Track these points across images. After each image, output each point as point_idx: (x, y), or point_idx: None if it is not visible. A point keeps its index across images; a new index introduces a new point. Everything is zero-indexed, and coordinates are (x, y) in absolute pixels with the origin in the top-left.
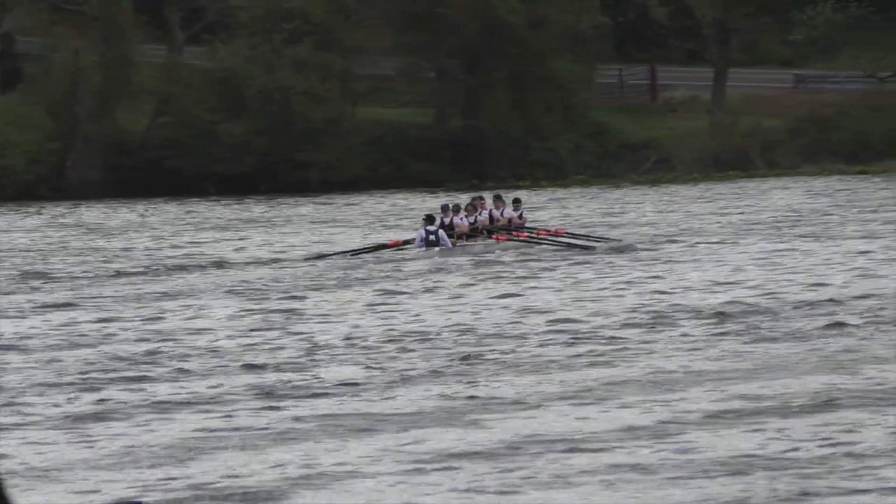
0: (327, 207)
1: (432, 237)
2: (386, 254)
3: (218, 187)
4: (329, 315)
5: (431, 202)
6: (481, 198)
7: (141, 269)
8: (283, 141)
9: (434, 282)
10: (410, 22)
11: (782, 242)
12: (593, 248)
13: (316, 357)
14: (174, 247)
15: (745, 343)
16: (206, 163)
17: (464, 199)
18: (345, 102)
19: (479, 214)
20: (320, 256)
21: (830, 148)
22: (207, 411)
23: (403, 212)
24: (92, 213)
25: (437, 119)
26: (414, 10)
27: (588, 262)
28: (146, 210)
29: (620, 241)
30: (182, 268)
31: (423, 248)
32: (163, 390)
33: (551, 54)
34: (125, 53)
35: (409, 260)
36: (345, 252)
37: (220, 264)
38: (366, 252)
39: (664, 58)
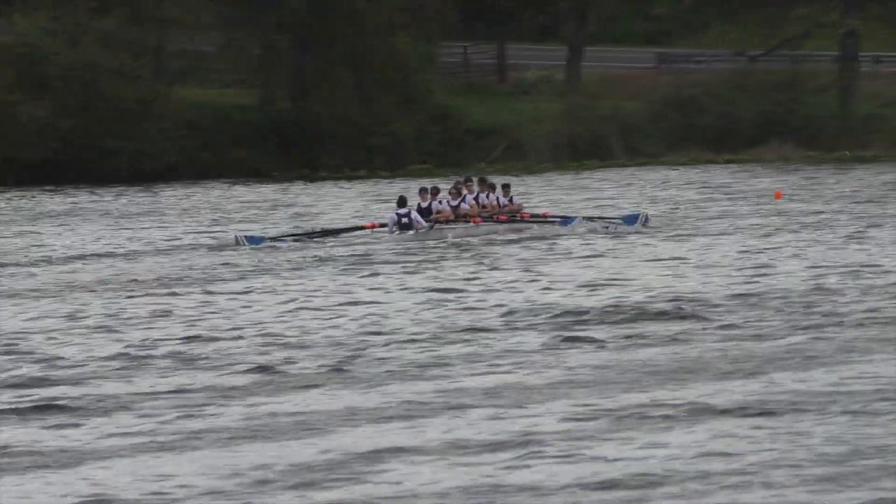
0: (138, 199)
1: (405, 220)
2: (357, 237)
3: (17, 177)
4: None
5: (252, 195)
6: (470, 180)
7: None
8: (90, 125)
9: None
10: None
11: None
12: (579, 224)
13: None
14: None
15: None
16: (4, 148)
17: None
18: (159, 82)
19: (464, 199)
20: (278, 238)
21: (696, 134)
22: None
23: (222, 203)
24: None
25: (262, 101)
26: None
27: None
28: None
29: (612, 220)
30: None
31: (397, 232)
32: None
33: (390, 30)
34: None
35: (375, 244)
36: (308, 234)
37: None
38: (339, 233)
39: (514, 34)
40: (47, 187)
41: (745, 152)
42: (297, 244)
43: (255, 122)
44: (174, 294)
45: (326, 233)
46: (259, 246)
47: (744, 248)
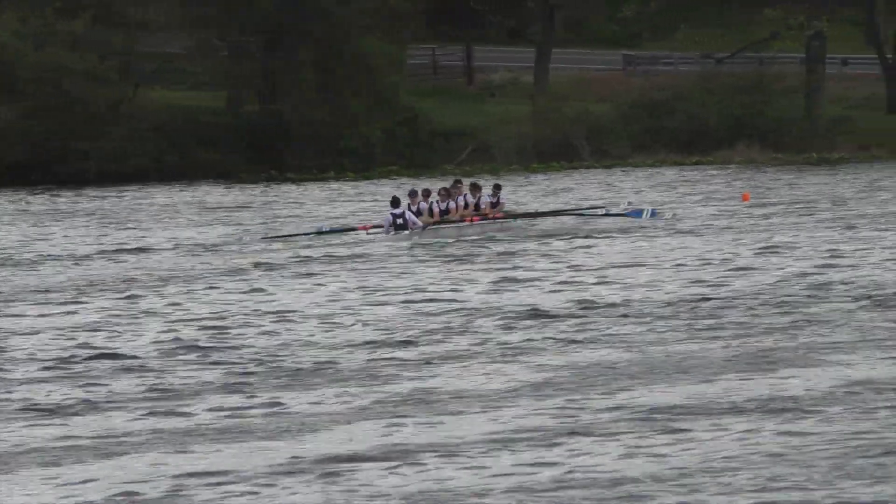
0: (106, 202)
1: (400, 221)
2: (352, 237)
3: None
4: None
5: (227, 195)
6: (459, 182)
7: None
8: (58, 127)
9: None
10: None
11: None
12: (584, 215)
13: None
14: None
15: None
16: None
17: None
18: (127, 84)
19: (456, 201)
20: (282, 237)
21: (663, 136)
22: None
23: (193, 207)
24: None
25: (231, 103)
26: None
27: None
28: None
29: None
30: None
31: (392, 233)
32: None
33: (359, 32)
34: None
35: (371, 244)
36: (308, 233)
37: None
38: (333, 233)
39: (482, 36)
40: (16, 189)
41: (712, 154)
42: (295, 243)
43: (223, 123)
44: (154, 295)
45: (323, 232)
46: (267, 242)
47: (709, 250)
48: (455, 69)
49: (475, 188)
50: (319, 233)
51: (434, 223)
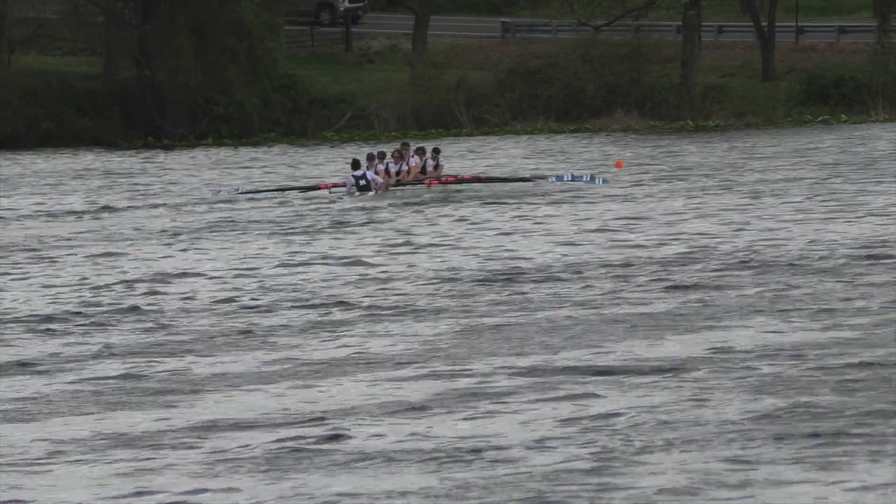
0: None
1: (363, 181)
2: (318, 197)
3: None
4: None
5: (99, 162)
6: (407, 144)
7: None
8: None
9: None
10: None
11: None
12: (516, 186)
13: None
14: None
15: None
16: None
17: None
18: (0, 50)
19: (408, 163)
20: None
21: (542, 103)
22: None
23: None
24: None
25: (106, 69)
26: None
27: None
28: None
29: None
30: None
31: (357, 194)
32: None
33: None
34: None
35: (336, 204)
36: (273, 190)
37: None
38: (298, 190)
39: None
40: None
41: (590, 122)
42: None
43: (98, 90)
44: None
45: (292, 189)
46: (236, 195)
47: (584, 216)
48: (333, 35)
49: (420, 151)
50: (291, 189)
51: (394, 184)
